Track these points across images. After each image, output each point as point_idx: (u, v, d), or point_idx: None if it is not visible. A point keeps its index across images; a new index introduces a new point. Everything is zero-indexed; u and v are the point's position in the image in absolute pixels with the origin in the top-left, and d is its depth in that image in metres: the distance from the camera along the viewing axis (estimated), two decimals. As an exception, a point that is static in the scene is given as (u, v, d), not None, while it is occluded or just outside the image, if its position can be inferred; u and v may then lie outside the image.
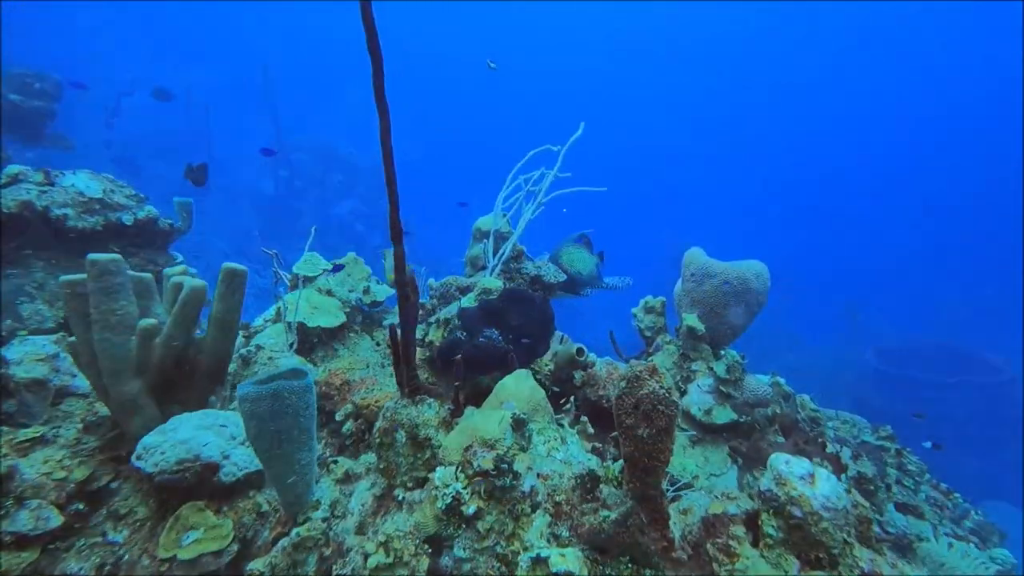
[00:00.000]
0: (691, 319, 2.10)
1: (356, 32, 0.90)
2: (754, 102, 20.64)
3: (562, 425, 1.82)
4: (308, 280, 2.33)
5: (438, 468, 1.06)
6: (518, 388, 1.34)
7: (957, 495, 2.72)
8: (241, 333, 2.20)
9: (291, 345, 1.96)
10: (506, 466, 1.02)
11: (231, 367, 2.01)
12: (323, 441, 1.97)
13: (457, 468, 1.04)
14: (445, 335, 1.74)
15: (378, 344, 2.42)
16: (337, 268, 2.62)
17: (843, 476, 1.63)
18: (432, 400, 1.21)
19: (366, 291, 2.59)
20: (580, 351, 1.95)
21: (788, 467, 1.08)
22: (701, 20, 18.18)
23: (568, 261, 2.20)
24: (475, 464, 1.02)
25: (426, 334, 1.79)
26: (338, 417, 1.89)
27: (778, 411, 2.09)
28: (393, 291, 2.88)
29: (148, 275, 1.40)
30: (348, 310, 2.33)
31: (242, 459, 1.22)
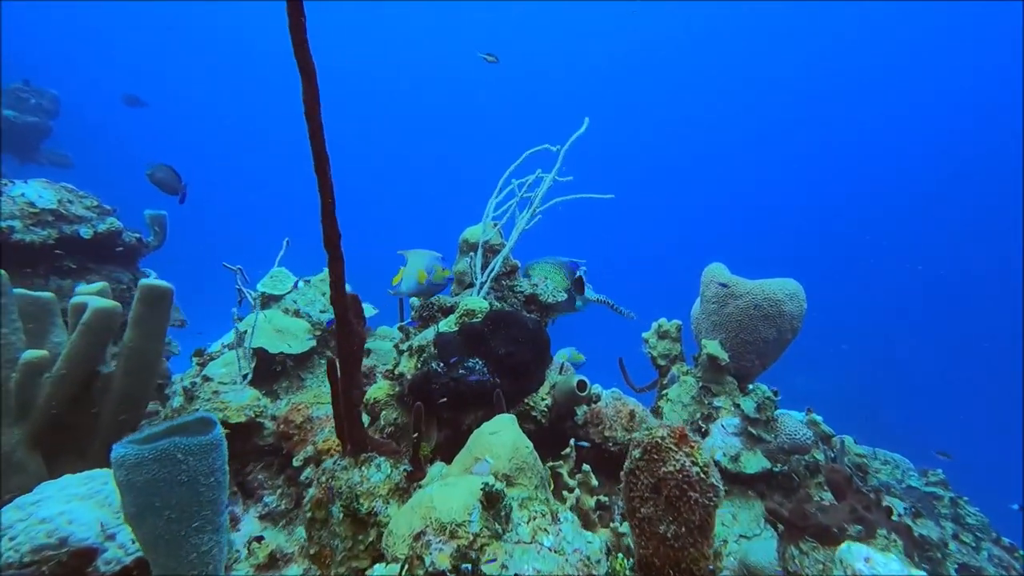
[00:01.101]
0: (713, 346, 1.79)
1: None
2: (753, 104, 20.23)
3: (560, 473, 1.52)
4: (274, 299, 2.07)
5: (377, 566, 0.76)
6: (498, 440, 1.04)
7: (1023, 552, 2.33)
8: (195, 360, 1.94)
9: (244, 376, 1.68)
10: (469, 566, 0.72)
11: (175, 402, 1.74)
12: (279, 490, 1.67)
13: (403, 567, 0.74)
14: (419, 366, 1.46)
15: (355, 371, 2.15)
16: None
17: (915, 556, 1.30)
18: (383, 460, 0.92)
19: (344, 311, 2.32)
20: (582, 384, 1.65)
21: (871, 569, 0.77)
22: (705, 20, 17.99)
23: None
24: (427, 561, 0.73)
25: (397, 364, 1.50)
26: (296, 462, 1.60)
27: (819, 458, 1.76)
28: (386, 307, 2.62)
29: (47, 295, 1.14)
30: (320, 333, 2.06)
31: (132, 539, 0.92)
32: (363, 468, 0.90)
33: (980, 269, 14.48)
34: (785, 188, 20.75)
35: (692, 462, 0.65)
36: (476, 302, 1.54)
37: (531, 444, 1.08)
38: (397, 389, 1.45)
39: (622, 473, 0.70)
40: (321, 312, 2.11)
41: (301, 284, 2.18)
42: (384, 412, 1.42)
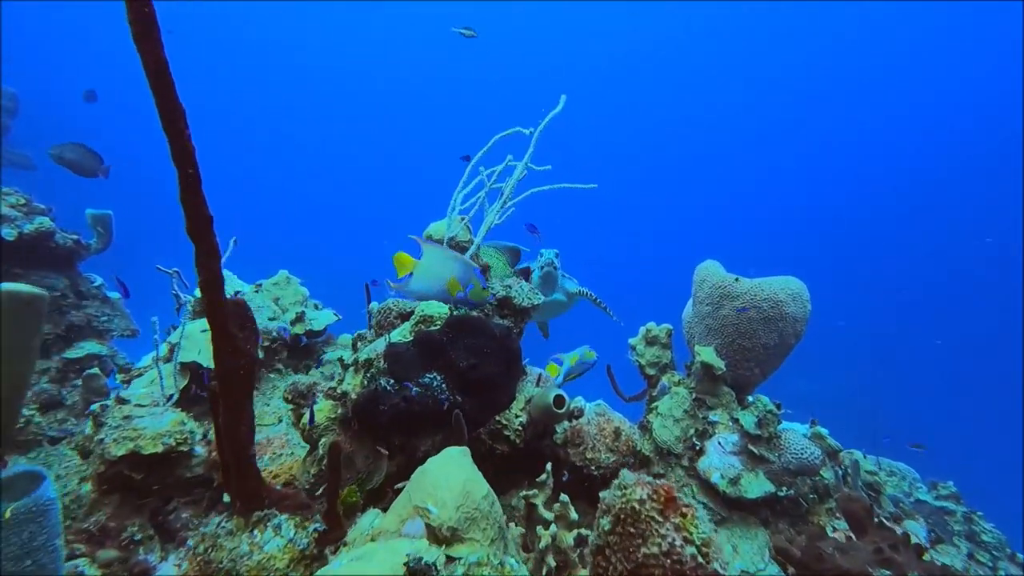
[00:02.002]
0: (707, 353, 1.60)
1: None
2: (751, 102, 19.94)
3: (534, 504, 1.31)
4: (215, 306, 1.84)
5: None
6: (445, 481, 0.83)
7: (1042, 569, 2.16)
8: (120, 378, 1.71)
9: (169, 397, 1.45)
10: None
11: (86, 428, 1.50)
12: (208, 529, 1.43)
13: None
14: (365, 383, 1.24)
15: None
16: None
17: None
18: (284, 519, 0.69)
19: (299, 318, 2.09)
20: (559, 400, 1.44)
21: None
22: (703, 19, 17.76)
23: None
24: None
25: (341, 381, 1.28)
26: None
27: (827, 477, 1.57)
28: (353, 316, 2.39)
29: None
30: (267, 344, 1.83)
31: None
32: (255, 532, 0.67)
33: (981, 269, 14.49)
34: (784, 186, 20.53)
35: (685, 539, 0.44)
36: (434, 307, 1.33)
37: (487, 486, 0.87)
38: (340, 411, 1.23)
39: (587, 550, 0.49)
40: (270, 320, 1.88)
41: (247, 288, 1.94)
42: (324, 439, 1.19)
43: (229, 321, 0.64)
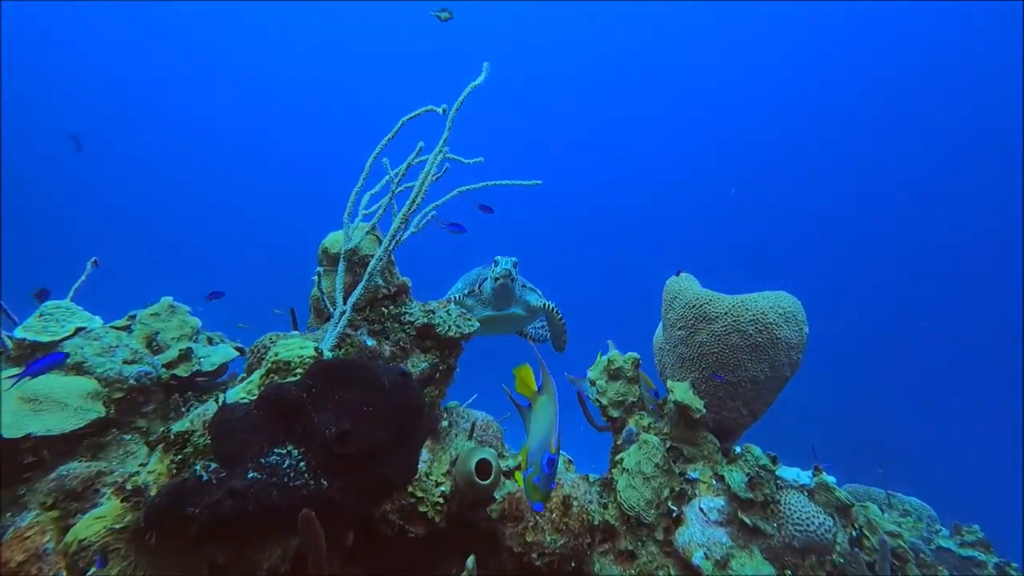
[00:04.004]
0: (681, 391, 1.24)
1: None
2: (743, 102, 19.95)
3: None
4: (43, 348, 1.41)
5: None
6: None
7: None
8: None
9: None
10: None
11: None
12: None
13: None
14: (173, 470, 0.83)
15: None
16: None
17: None
18: None
19: (183, 356, 1.66)
20: (483, 467, 1.05)
21: None
22: (696, 18, 17.60)
23: None
24: None
25: (142, 467, 0.87)
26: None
27: (842, 543, 1.20)
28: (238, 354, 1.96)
29: None
30: (120, 396, 1.41)
31: None
32: None
33: (981, 270, 14.51)
34: (777, 188, 20.28)
35: None
36: (292, 348, 0.94)
37: None
38: (131, 517, 0.81)
39: None
40: (126, 363, 1.44)
41: (97, 324, 1.51)
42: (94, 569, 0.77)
43: None
